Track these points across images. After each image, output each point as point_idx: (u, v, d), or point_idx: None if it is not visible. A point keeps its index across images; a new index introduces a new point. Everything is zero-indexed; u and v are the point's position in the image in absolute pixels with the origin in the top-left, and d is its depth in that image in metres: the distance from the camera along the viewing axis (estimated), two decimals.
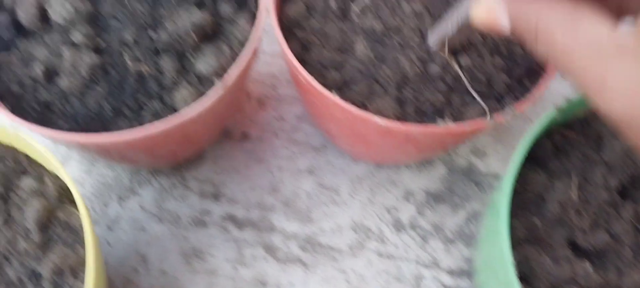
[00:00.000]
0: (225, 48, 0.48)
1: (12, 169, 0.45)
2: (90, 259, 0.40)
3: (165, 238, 0.58)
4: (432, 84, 0.47)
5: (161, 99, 0.47)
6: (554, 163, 0.48)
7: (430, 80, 0.47)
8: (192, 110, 0.44)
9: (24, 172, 0.45)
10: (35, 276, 0.41)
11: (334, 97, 0.44)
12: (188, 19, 0.47)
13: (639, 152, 0.27)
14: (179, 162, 0.61)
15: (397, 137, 0.46)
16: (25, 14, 0.46)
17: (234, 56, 0.48)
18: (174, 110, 0.47)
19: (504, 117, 0.45)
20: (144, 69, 0.46)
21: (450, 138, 0.48)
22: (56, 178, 0.45)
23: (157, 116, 0.46)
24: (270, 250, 0.58)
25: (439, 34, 0.45)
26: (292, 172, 0.61)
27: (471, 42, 0.48)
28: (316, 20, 0.50)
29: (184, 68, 0.47)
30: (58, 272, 0.41)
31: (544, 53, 0.29)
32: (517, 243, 0.45)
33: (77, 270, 0.41)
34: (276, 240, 0.59)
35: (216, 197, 0.60)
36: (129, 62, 0.46)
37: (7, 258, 0.42)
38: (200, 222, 0.59)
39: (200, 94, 0.46)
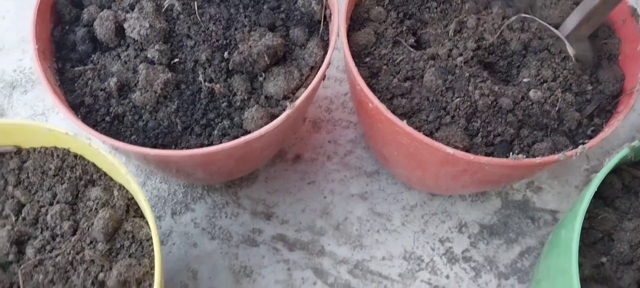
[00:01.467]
0: (295, 71, 0.48)
1: (81, 179, 0.45)
2: (158, 272, 0.40)
3: (216, 255, 0.58)
4: (502, 116, 0.47)
5: (230, 118, 0.47)
6: (622, 202, 0.47)
7: (500, 113, 0.47)
8: (264, 129, 0.44)
9: (92, 182, 0.46)
10: (101, 285, 0.41)
11: (403, 125, 0.44)
12: (261, 42, 0.47)
13: None
14: (232, 180, 0.61)
15: (465, 168, 0.46)
16: (103, 29, 0.47)
17: (302, 79, 0.48)
18: (241, 128, 0.47)
19: (575, 154, 0.44)
20: (216, 87, 0.46)
21: (519, 171, 0.47)
22: (122, 189, 0.45)
23: (225, 134, 0.46)
24: (319, 274, 0.58)
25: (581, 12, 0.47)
26: (344, 196, 0.61)
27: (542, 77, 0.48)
28: (384, 48, 0.50)
29: (253, 88, 0.48)
30: (123, 283, 0.41)
31: None
32: (583, 281, 0.44)
33: (142, 282, 0.41)
34: (326, 264, 0.58)
35: (268, 216, 0.60)
36: (201, 81, 0.47)
37: (73, 267, 0.42)
38: (251, 241, 0.59)
39: (268, 114, 0.46)
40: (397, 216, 0.60)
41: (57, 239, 0.43)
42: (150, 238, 0.43)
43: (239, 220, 0.60)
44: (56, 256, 0.42)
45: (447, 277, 0.57)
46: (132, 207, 0.45)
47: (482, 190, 0.60)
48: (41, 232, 0.43)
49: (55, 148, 0.46)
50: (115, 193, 0.45)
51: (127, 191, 0.45)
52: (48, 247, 0.43)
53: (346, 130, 0.64)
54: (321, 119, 0.65)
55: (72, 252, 0.42)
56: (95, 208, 0.44)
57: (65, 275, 0.42)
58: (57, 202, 0.44)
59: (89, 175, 0.46)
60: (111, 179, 0.46)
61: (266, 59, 0.47)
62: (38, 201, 0.45)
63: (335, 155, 0.63)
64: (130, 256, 0.42)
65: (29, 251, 0.42)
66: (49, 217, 0.43)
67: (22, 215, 0.44)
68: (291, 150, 0.63)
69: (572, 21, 0.49)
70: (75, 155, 0.46)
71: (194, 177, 0.55)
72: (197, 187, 0.61)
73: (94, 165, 0.46)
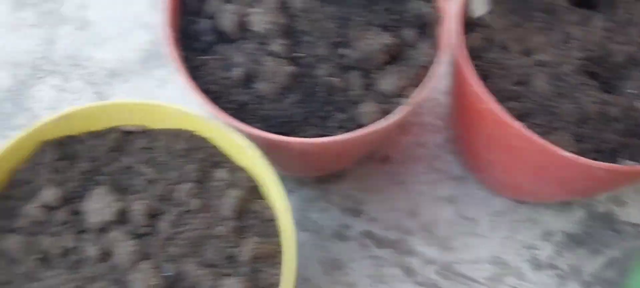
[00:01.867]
0: (407, 70, 0.50)
1: (206, 160, 0.48)
2: (291, 250, 0.42)
3: (308, 247, 0.59)
4: (611, 124, 0.48)
5: (345, 111, 0.49)
6: None
7: (609, 121, 0.48)
8: (381, 122, 0.46)
9: (217, 164, 0.48)
10: (233, 260, 0.43)
11: (519, 127, 0.46)
12: (376, 41, 0.49)
13: None
14: (322, 176, 0.63)
15: (575, 173, 0.47)
16: (227, 22, 0.50)
17: (413, 78, 0.50)
18: (355, 122, 0.49)
19: None
20: (335, 82, 0.48)
21: (626, 178, 0.49)
22: (246, 172, 0.47)
23: (341, 126, 0.48)
24: (408, 272, 0.59)
25: None
26: (431, 198, 0.63)
27: None
28: (493, 52, 0.52)
29: (369, 85, 0.50)
30: (255, 259, 0.43)
31: None
32: None
33: (273, 260, 0.43)
34: (414, 263, 0.60)
35: (357, 213, 0.62)
36: (320, 75, 0.49)
37: (205, 241, 0.44)
38: (340, 235, 0.61)
39: (382, 110, 0.48)
40: (485, 221, 0.62)
41: (188, 215, 0.45)
42: (274, 219, 0.45)
43: (328, 214, 0.61)
44: (188, 230, 0.44)
45: (534, 283, 0.59)
46: (255, 190, 0.47)
47: (577, 197, 0.61)
48: (171, 209, 0.46)
49: (181, 130, 0.48)
50: (240, 175, 0.47)
51: (250, 174, 0.47)
52: (179, 222, 0.45)
53: (434, 135, 0.66)
54: (410, 122, 0.66)
55: (203, 227, 0.44)
56: (222, 188, 0.46)
57: (197, 249, 0.44)
58: (186, 181, 0.46)
59: (214, 157, 0.48)
60: (234, 162, 0.48)
61: (381, 57, 0.49)
62: (166, 179, 0.47)
63: (422, 158, 0.65)
64: (257, 235, 0.44)
65: (162, 224, 0.45)
66: (178, 194, 0.46)
67: (152, 191, 0.46)
68: (380, 151, 0.65)
69: None
70: (201, 138, 0.48)
71: (298, 168, 0.57)
72: (288, 182, 0.63)
73: (218, 147, 0.48)
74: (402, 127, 0.66)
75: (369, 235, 0.61)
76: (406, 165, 0.64)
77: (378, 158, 0.65)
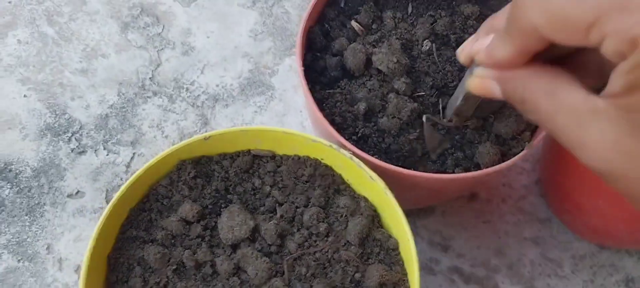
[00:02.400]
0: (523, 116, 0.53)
1: (330, 187, 0.51)
2: (416, 279, 0.44)
3: None
4: None
5: (462, 150, 0.52)
6: None
7: None
8: (501, 165, 0.49)
9: (339, 191, 0.51)
10: (359, 285, 0.46)
11: None
12: None
13: (625, 198, 0.29)
14: (411, 210, 0.66)
15: None
16: (355, 60, 0.53)
17: (528, 123, 0.53)
18: (472, 161, 0.52)
19: None
20: (454, 122, 0.52)
21: None
22: (366, 201, 0.50)
23: (458, 164, 0.52)
24: None
25: (452, 106, 0.49)
26: (517, 238, 0.65)
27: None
28: None
29: (484, 127, 0.53)
30: (381, 285, 0.46)
31: (531, 117, 0.32)
32: None
33: (397, 287, 0.46)
34: None
35: (444, 248, 0.65)
36: (442, 114, 0.52)
37: (331, 264, 0.47)
38: (428, 269, 0.63)
39: (499, 152, 0.51)
40: (568, 263, 0.64)
41: (314, 238, 0.48)
42: (396, 248, 0.48)
43: (417, 248, 0.64)
44: (315, 252, 0.47)
45: None
46: (376, 218, 0.50)
47: None
48: (298, 230, 0.49)
49: (308, 157, 0.52)
50: (362, 204, 0.50)
51: (371, 203, 0.50)
52: (306, 244, 0.48)
53: (520, 176, 0.69)
54: None
55: (329, 250, 0.48)
56: (345, 215, 0.49)
57: (324, 271, 0.47)
58: (312, 205, 0.50)
59: (337, 185, 0.51)
60: (355, 191, 0.51)
61: (499, 101, 0.53)
62: (293, 202, 0.50)
63: (509, 198, 0.68)
64: (381, 262, 0.47)
65: (291, 245, 0.48)
66: (305, 217, 0.49)
67: (279, 213, 0.50)
68: (468, 189, 0.68)
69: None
70: (324, 166, 0.52)
71: (401, 201, 0.60)
72: None
73: (341, 176, 0.52)
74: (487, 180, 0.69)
75: (456, 270, 0.63)
76: (493, 205, 0.67)
77: (466, 196, 0.68)
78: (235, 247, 0.49)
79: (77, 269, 0.63)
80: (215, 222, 0.50)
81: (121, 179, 0.68)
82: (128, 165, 0.69)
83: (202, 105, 0.72)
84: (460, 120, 0.51)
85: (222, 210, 0.50)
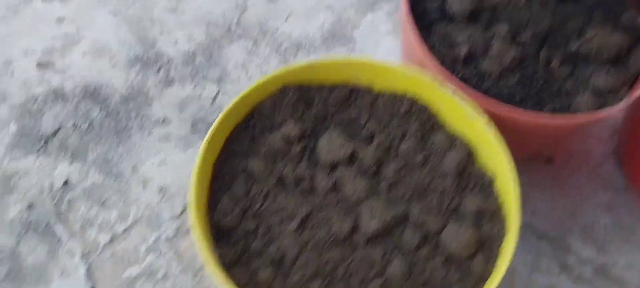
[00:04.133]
0: (624, 71, 0.54)
1: (426, 124, 0.52)
2: (516, 206, 0.46)
3: None
4: None
5: (560, 100, 0.53)
6: None
7: None
8: (602, 112, 0.50)
9: (436, 128, 0.53)
10: (456, 212, 0.48)
11: None
12: (606, 39, 0.54)
13: None
14: None
15: None
16: (458, 5, 0.55)
17: (628, 80, 0.54)
18: (569, 111, 0.53)
19: None
20: (555, 70, 0.53)
21: None
22: (461, 138, 0.52)
23: (555, 113, 0.52)
24: (565, 268, 0.62)
25: None
26: (591, 203, 0.66)
27: None
28: None
29: (585, 79, 0.54)
30: (478, 213, 0.47)
31: None
32: None
33: (493, 217, 0.47)
34: (571, 260, 0.63)
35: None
36: (542, 62, 0.53)
37: (427, 192, 0.49)
38: None
39: (595, 104, 0.52)
40: None
41: (410, 167, 0.50)
42: (492, 184, 0.49)
43: None
44: (412, 180, 0.49)
45: None
46: (471, 156, 0.51)
47: None
48: (394, 159, 0.50)
49: (405, 94, 0.53)
50: (458, 141, 0.51)
51: (466, 140, 0.51)
52: (403, 172, 0.50)
53: (599, 144, 0.69)
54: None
55: (426, 179, 0.49)
56: (441, 150, 0.51)
57: (421, 197, 0.48)
58: (408, 138, 0.51)
59: (432, 122, 0.53)
60: (451, 129, 0.52)
61: (606, 55, 0.53)
62: (389, 134, 0.52)
63: (585, 164, 0.68)
64: (476, 195, 0.49)
65: (387, 171, 0.49)
66: (402, 148, 0.51)
67: (376, 141, 0.51)
68: (545, 152, 0.69)
69: None
70: (421, 102, 0.53)
71: None
72: None
73: (437, 114, 0.53)
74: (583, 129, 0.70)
75: (530, 227, 0.64)
76: (569, 169, 0.68)
77: (543, 159, 0.68)
78: (333, 167, 0.50)
79: (161, 190, 0.65)
80: (314, 144, 0.51)
81: (207, 112, 0.70)
82: (213, 100, 0.71)
83: (284, 52, 0.74)
84: None
85: (320, 134, 0.52)
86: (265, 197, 0.49)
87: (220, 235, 0.48)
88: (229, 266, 0.46)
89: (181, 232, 0.63)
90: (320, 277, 0.46)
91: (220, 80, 0.72)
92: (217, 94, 0.71)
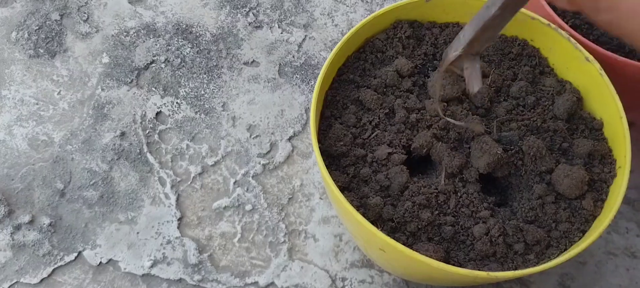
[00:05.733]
0: None
1: (536, 68, 0.53)
2: (627, 151, 0.46)
3: None
4: None
5: None
6: None
7: None
8: None
9: (545, 72, 0.53)
10: (567, 152, 0.49)
11: None
12: None
13: None
14: None
15: None
16: None
17: None
18: None
19: None
20: None
21: None
22: (570, 84, 0.52)
23: None
24: None
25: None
26: None
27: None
28: None
29: None
30: (589, 155, 0.48)
31: None
32: None
33: (604, 160, 0.48)
34: None
35: None
36: None
37: (539, 131, 0.50)
38: None
39: None
40: None
41: (521, 108, 0.51)
42: (601, 128, 0.50)
43: None
44: (524, 119, 0.50)
45: None
46: (580, 101, 0.52)
47: None
48: (505, 100, 0.51)
49: (516, 37, 0.54)
50: (567, 86, 0.52)
51: (575, 86, 0.52)
52: (514, 112, 0.50)
53: None
54: None
55: (537, 119, 0.50)
56: (551, 93, 0.51)
57: (532, 135, 0.49)
58: (519, 80, 0.52)
59: (542, 66, 0.53)
60: (560, 74, 0.53)
61: None
62: (501, 75, 0.53)
63: None
64: (587, 138, 0.50)
65: (499, 109, 0.50)
66: (513, 89, 0.51)
67: (488, 82, 0.52)
68: None
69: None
70: (532, 47, 0.54)
71: None
72: None
73: (547, 59, 0.54)
74: None
75: None
76: None
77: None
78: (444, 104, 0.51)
79: (249, 128, 0.67)
80: (424, 81, 0.52)
81: (293, 56, 0.71)
82: (300, 45, 0.72)
83: (371, 1, 0.75)
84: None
85: (430, 72, 0.53)
86: (376, 126, 0.50)
87: (331, 160, 0.49)
88: (341, 190, 0.47)
89: (268, 169, 0.65)
90: (430, 208, 0.47)
91: (307, 27, 0.73)
92: (304, 39, 0.73)
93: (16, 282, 0.57)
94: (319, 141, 0.49)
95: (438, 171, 0.49)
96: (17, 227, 0.59)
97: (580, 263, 0.61)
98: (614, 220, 0.63)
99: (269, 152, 0.66)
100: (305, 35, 0.73)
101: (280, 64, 0.71)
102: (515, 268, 0.44)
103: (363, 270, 0.59)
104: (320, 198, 0.63)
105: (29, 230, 0.59)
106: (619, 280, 0.60)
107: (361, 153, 0.49)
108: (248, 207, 0.62)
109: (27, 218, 0.60)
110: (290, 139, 0.66)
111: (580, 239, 0.45)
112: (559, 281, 0.60)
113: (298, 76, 0.70)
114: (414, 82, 0.52)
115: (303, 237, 0.61)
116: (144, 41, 0.71)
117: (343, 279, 0.58)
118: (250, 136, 0.66)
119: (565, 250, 0.45)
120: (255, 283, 0.58)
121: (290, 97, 0.69)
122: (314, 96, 0.48)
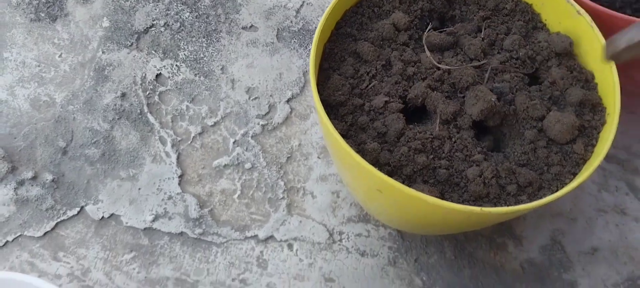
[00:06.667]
0: None
1: (529, 23, 0.55)
2: (617, 99, 0.48)
3: None
4: None
5: None
6: None
7: None
8: None
9: (537, 27, 0.55)
10: (559, 101, 0.50)
11: None
12: None
13: None
14: None
15: None
16: None
17: None
18: None
19: None
20: None
21: None
22: (562, 35, 0.54)
23: None
24: (632, 188, 0.65)
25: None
26: None
27: None
28: None
29: None
30: (581, 104, 0.50)
31: None
32: None
33: (595, 108, 0.50)
34: (638, 182, 0.65)
35: None
36: None
37: (531, 82, 0.51)
38: None
39: None
40: None
41: (515, 60, 0.52)
42: (592, 79, 0.52)
43: None
44: (517, 71, 0.52)
45: None
46: (572, 51, 0.53)
47: None
48: (499, 52, 0.53)
49: None
50: (558, 38, 0.54)
51: (565, 38, 0.54)
52: (508, 63, 0.52)
53: None
54: None
55: (529, 71, 0.52)
56: (544, 47, 0.53)
57: (525, 85, 0.51)
58: (513, 34, 0.54)
59: (535, 22, 0.55)
60: (552, 29, 0.55)
61: None
62: (494, 30, 0.54)
63: None
64: (581, 87, 0.51)
65: (493, 60, 0.52)
66: (506, 42, 0.53)
67: (482, 36, 0.54)
68: None
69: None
70: (526, 3, 0.55)
71: None
72: None
73: (540, 15, 0.55)
74: None
75: None
76: (639, 99, 0.70)
77: None
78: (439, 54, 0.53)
79: (248, 91, 0.68)
80: (419, 35, 0.54)
81: (291, 22, 0.73)
82: (298, 11, 0.73)
83: None
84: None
85: (426, 26, 0.54)
86: (373, 77, 0.52)
87: (330, 109, 0.51)
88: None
89: (267, 129, 0.66)
90: (425, 153, 0.48)
91: None
92: (302, 5, 0.74)
93: (20, 235, 0.58)
94: (318, 92, 0.50)
95: (433, 119, 0.50)
96: (20, 183, 0.60)
97: (571, 220, 0.63)
98: (604, 179, 0.65)
99: (267, 113, 0.67)
100: (303, 1, 0.74)
101: (278, 29, 0.72)
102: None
103: (359, 224, 0.60)
104: (318, 157, 0.64)
105: (32, 185, 0.60)
106: (609, 235, 0.62)
107: (359, 102, 0.50)
108: (247, 166, 0.63)
109: (30, 175, 0.61)
110: (288, 101, 0.68)
111: (570, 182, 0.47)
112: (550, 236, 0.61)
113: (296, 41, 0.71)
114: (410, 35, 0.54)
115: (301, 193, 0.62)
116: (143, 6, 0.72)
117: (340, 233, 0.60)
118: (249, 98, 0.68)
119: (557, 191, 0.46)
120: (255, 236, 0.59)
121: (288, 61, 0.70)
122: (313, 47, 0.49)
